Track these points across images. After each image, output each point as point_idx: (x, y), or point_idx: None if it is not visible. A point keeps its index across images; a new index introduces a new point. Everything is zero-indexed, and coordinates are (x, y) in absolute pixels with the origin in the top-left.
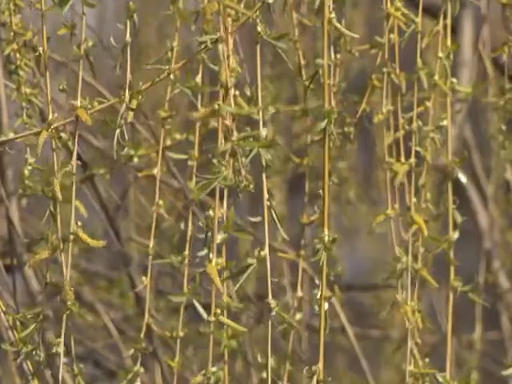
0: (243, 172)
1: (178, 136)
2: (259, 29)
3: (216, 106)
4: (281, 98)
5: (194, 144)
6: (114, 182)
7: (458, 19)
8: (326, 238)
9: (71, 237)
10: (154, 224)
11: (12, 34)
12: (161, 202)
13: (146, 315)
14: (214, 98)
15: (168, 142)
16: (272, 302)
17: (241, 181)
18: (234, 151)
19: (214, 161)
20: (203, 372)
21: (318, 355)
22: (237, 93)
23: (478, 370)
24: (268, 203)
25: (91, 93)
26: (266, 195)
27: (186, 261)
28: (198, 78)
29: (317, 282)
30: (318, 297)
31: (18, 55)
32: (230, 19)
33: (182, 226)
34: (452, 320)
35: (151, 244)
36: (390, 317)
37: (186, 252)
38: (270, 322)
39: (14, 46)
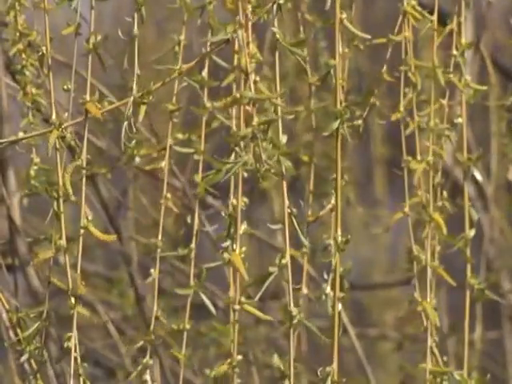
0: (264, 157)
1: (180, 136)
2: (277, 35)
3: (237, 95)
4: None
5: (197, 140)
6: (114, 181)
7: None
8: (339, 239)
9: (81, 231)
10: (161, 218)
11: (18, 34)
12: (169, 195)
13: (155, 308)
14: (215, 94)
15: (171, 142)
16: (294, 310)
17: (262, 166)
18: (254, 136)
19: (236, 148)
20: (228, 361)
21: (319, 355)
22: (257, 78)
23: (478, 370)
24: (289, 210)
25: (90, 92)
26: (286, 202)
27: (193, 254)
28: (204, 73)
29: (321, 281)
30: (331, 297)
31: (23, 55)
32: (249, 6)
33: (184, 221)
34: (467, 317)
35: (159, 236)
36: (389, 317)
37: (193, 245)
38: (291, 330)
39: (20, 46)
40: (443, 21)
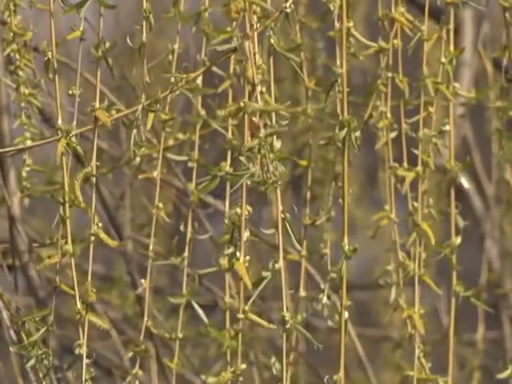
0: (271, 168)
1: (180, 136)
2: (272, 41)
3: (241, 104)
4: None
5: (194, 145)
6: (114, 180)
7: (459, 20)
8: (347, 247)
9: (92, 238)
10: (153, 226)
11: (12, 34)
12: (161, 205)
13: (145, 317)
14: (211, 99)
15: (170, 142)
16: (287, 315)
17: (269, 177)
18: (261, 147)
19: (242, 158)
20: (232, 369)
21: (320, 356)
22: (263, 89)
23: (479, 370)
24: (282, 216)
25: (90, 94)
26: (279, 208)
27: (185, 262)
28: (199, 80)
29: (320, 283)
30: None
31: (17, 56)
32: (255, 17)
33: (182, 227)
34: (454, 323)
35: (151, 246)
36: (389, 317)
37: (186, 253)
38: (284, 336)
39: (14, 46)
40: (440, 19)
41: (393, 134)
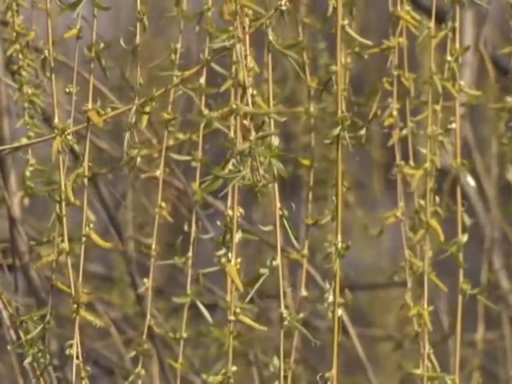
0: (261, 171)
1: (180, 136)
2: (270, 38)
3: (233, 106)
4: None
5: (196, 145)
6: (115, 179)
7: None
8: (340, 245)
9: (83, 238)
10: (156, 225)
11: (15, 34)
12: (163, 204)
13: (148, 316)
14: (213, 98)
15: (171, 142)
16: (285, 312)
17: (259, 180)
18: (252, 150)
19: (233, 160)
20: (223, 371)
21: (322, 356)
22: (254, 92)
23: (479, 370)
24: (280, 212)
25: (89, 93)
26: (277, 204)
27: (190, 262)
28: (202, 80)
29: (320, 280)
30: (331, 302)
31: (20, 55)
32: (247, 19)
33: (186, 227)
34: (459, 321)
35: (153, 245)
36: (394, 315)
37: (190, 253)
38: (281, 333)
39: (17, 46)
40: (443, 20)
41: (404, 132)
